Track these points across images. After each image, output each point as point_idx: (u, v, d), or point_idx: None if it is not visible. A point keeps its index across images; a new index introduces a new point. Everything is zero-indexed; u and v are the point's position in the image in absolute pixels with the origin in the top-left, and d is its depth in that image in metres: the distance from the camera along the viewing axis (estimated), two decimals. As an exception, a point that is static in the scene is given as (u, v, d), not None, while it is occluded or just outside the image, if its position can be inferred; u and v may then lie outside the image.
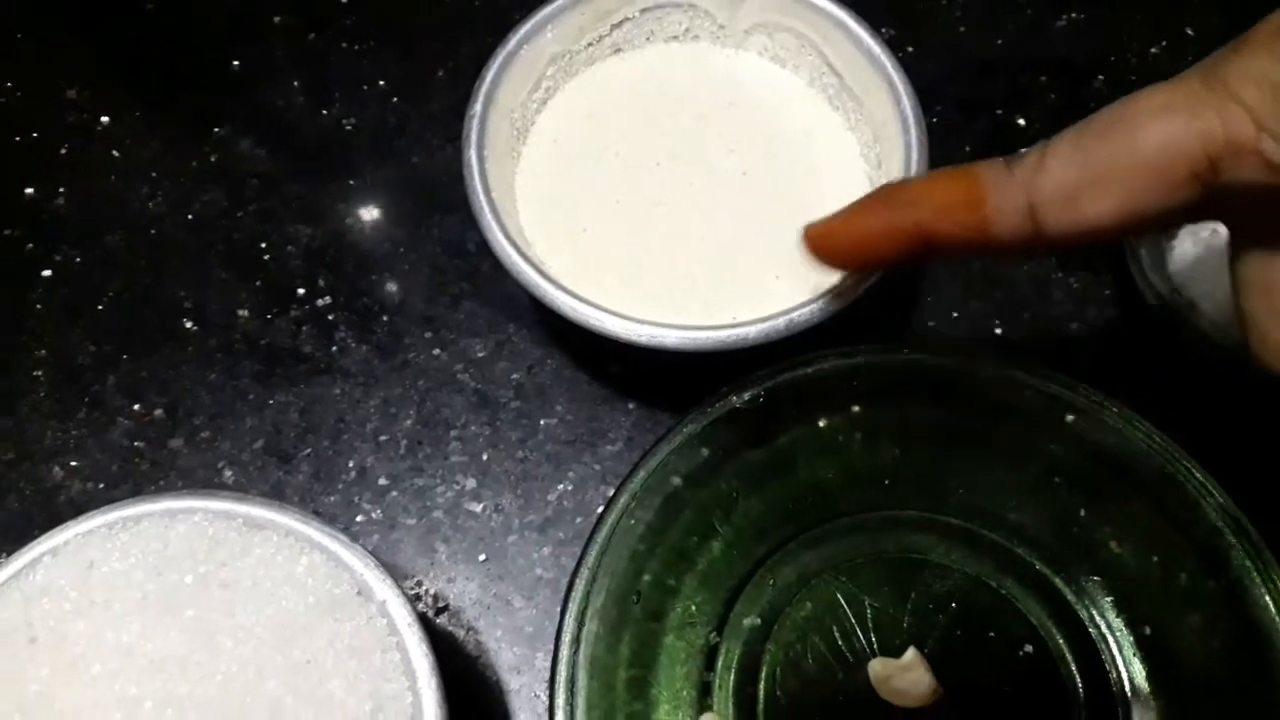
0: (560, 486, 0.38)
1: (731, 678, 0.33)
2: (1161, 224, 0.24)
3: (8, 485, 0.38)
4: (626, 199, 0.37)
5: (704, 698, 0.33)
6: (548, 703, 0.30)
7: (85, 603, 0.29)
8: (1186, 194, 0.22)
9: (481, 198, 0.35)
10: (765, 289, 0.35)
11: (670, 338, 0.33)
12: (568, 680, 0.30)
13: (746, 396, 0.33)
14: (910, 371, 0.34)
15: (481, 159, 0.35)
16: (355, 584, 0.29)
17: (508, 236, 0.34)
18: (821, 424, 0.34)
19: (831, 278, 0.33)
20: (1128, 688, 0.32)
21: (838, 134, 0.39)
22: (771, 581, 0.34)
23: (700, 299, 0.35)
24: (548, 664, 0.34)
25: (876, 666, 0.33)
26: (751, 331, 0.33)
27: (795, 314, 0.33)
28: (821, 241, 0.28)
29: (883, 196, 0.27)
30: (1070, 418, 0.33)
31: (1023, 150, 0.25)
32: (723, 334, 0.33)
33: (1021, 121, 0.44)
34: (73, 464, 0.38)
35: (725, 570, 0.34)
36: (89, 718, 0.28)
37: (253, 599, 0.29)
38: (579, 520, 0.37)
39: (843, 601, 0.34)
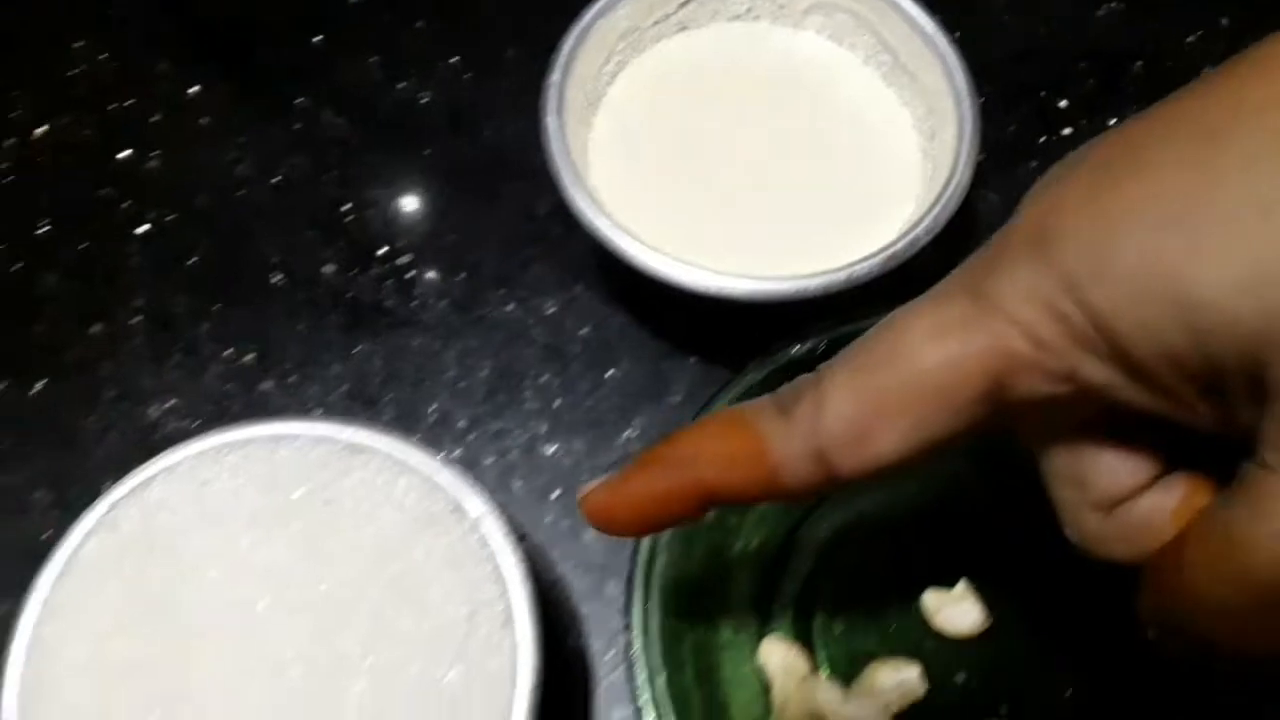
0: (626, 433, 0.40)
1: (790, 609, 0.36)
2: (958, 442, 0.22)
3: (109, 423, 0.40)
4: (691, 164, 0.40)
5: (765, 624, 0.35)
6: (624, 622, 0.32)
7: (199, 516, 0.32)
8: (976, 413, 0.21)
9: (559, 158, 0.37)
10: (825, 246, 0.37)
11: (739, 287, 0.35)
12: (642, 598, 0.33)
13: (807, 346, 0.35)
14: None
15: (561, 123, 0.38)
16: (450, 502, 0.32)
17: (584, 194, 0.36)
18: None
19: (890, 234, 0.35)
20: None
21: (892, 108, 0.41)
22: (828, 516, 0.37)
23: (763, 257, 0.38)
24: (616, 592, 0.37)
25: (929, 598, 0.35)
26: (813, 284, 0.35)
27: (855, 268, 0.35)
28: (599, 514, 0.26)
29: (655, 457, 0.25)
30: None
31: (787, 387, 0.24)
32: (786, 285, 0.35)
33: (1063, 104, 0.46)
34: (169, 404, 0.41)
35: (783, 506, 0.36)
36: (206, 616, 0.30)
37: (354, 516, 0.32)
38: (645, 464, 0.39)
39: (898, 531, 0.36)
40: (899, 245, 0.35)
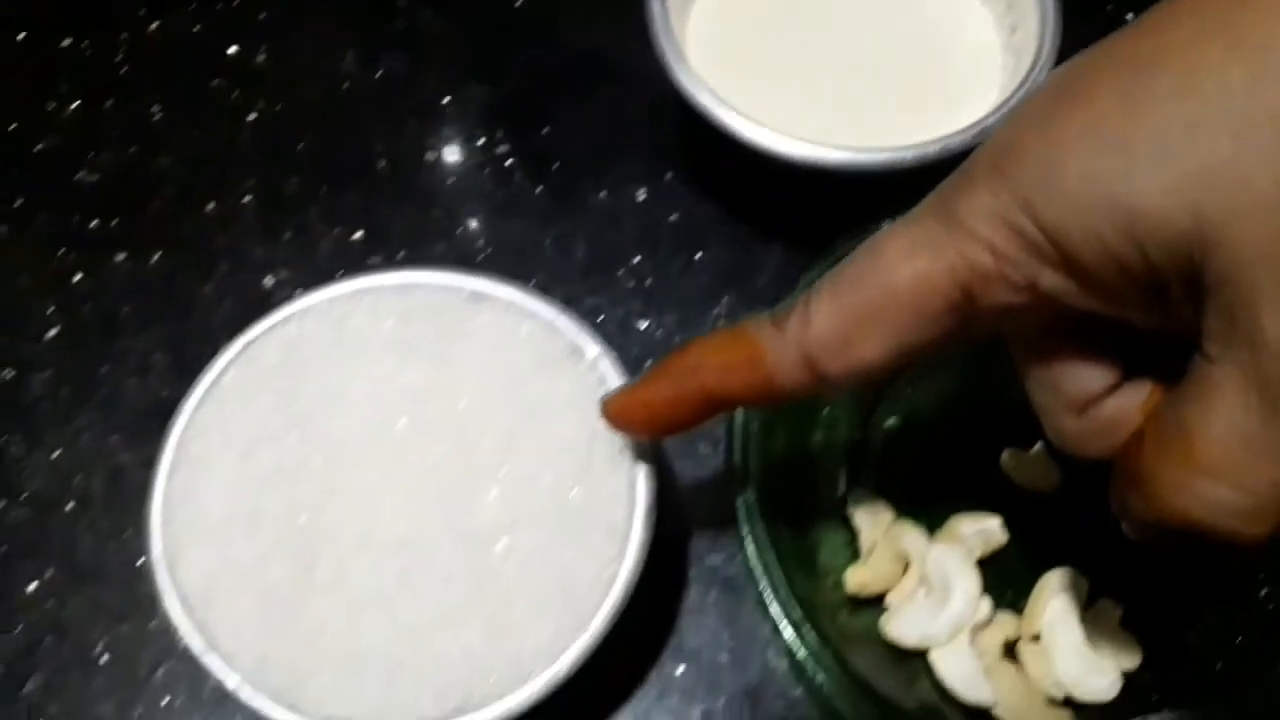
0: (715, 310, 0.42)
1: (874, 480, 0.38)
2: (935, 350, 0.25)
3: (224, 292, 0.43)
4: (786, 48, 0.42)
5: (850, 490, 0.37)
6: (726, 458, 0.34)
7: (337, 346, 0.34)
8: (948, 322, 0.24)
9: (662, 37, 0.39)
10: (916, 124, 0.39)
11: (835, 156, 0.37)
12: (742, 447, 0.34)
13: (895, 219, 0.37)
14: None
15: (664, 6, 0.40)
16: (569, 345, 0.34)
17: (686, 71, 0.38)
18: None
19: (981, 109, 0.37)
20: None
21: (973, 6, 0.43)
22: (909, 389, 0.39)
23: (857, 130, 0.40)
24: (707, 450, 0.39)
25: (1007, 457, 0.37)
26: (908, 155, 0.37)
27: (949, 141, 0.37)
28: (619, 417, 0.30)
29: (665, 369, 0.28)
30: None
31: (781, 306, 0.26)
32: (881, 155, 0.37)
33: (1130, 16, 0.48)
34: (282, 276, 0.43)
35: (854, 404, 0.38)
36: (347, 433, 0.32)
37: (483, 351, 0.34)
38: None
39: (975, 400, 0.38)
40: (990, 120, 0.37)
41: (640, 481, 0.32)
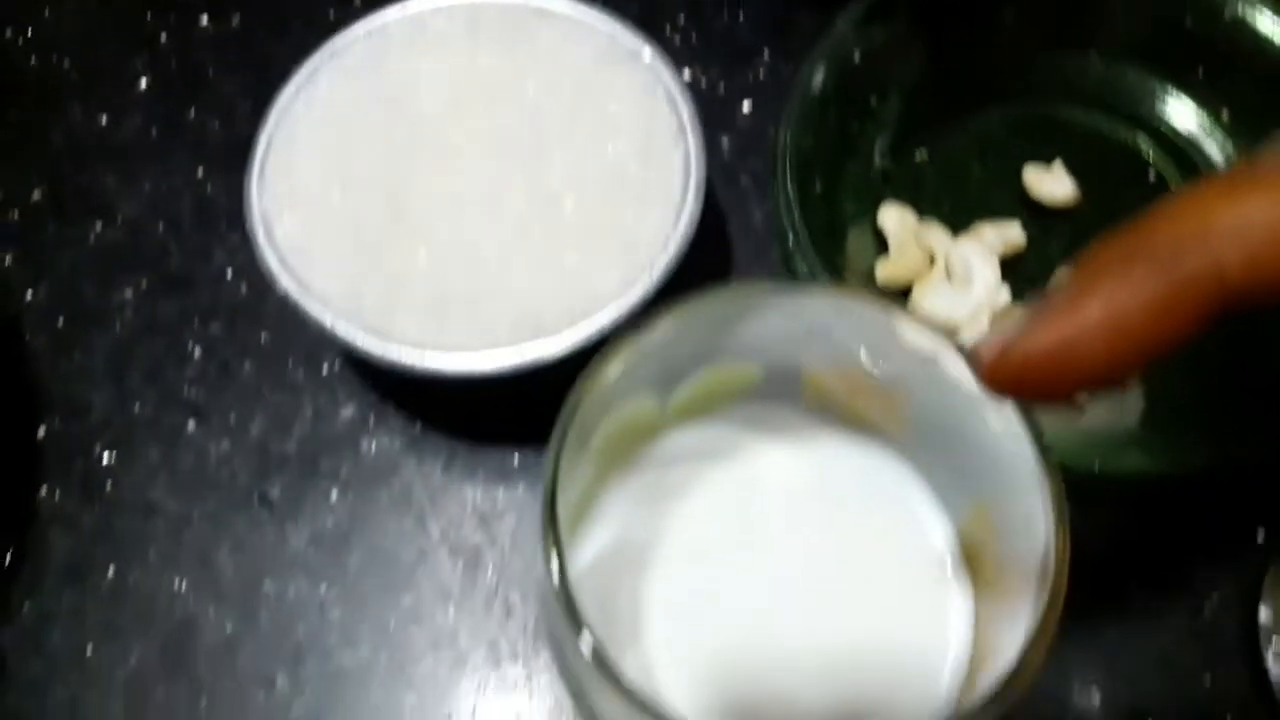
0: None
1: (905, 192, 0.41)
2: None
3: (300, 50, 0.46)
4: None
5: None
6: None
7: (419, 43, 0.37)
8: None
9: None
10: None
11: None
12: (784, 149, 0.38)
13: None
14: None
15: None
16: (628, 51, 0.37)
17: None
18: None
19: None
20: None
21: None
22: (937, 124, 0.42)
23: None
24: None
25: (1029, 171, 0.40)
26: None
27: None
28: (1038, 368, 0.18)
29: (1133, 250, 0.17)
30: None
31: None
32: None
33: None
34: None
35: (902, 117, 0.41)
36: (431, 106, 0.36)
37: (548, 53, 0.37)
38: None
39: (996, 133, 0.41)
40: None
41: (693, 161, 0.35)
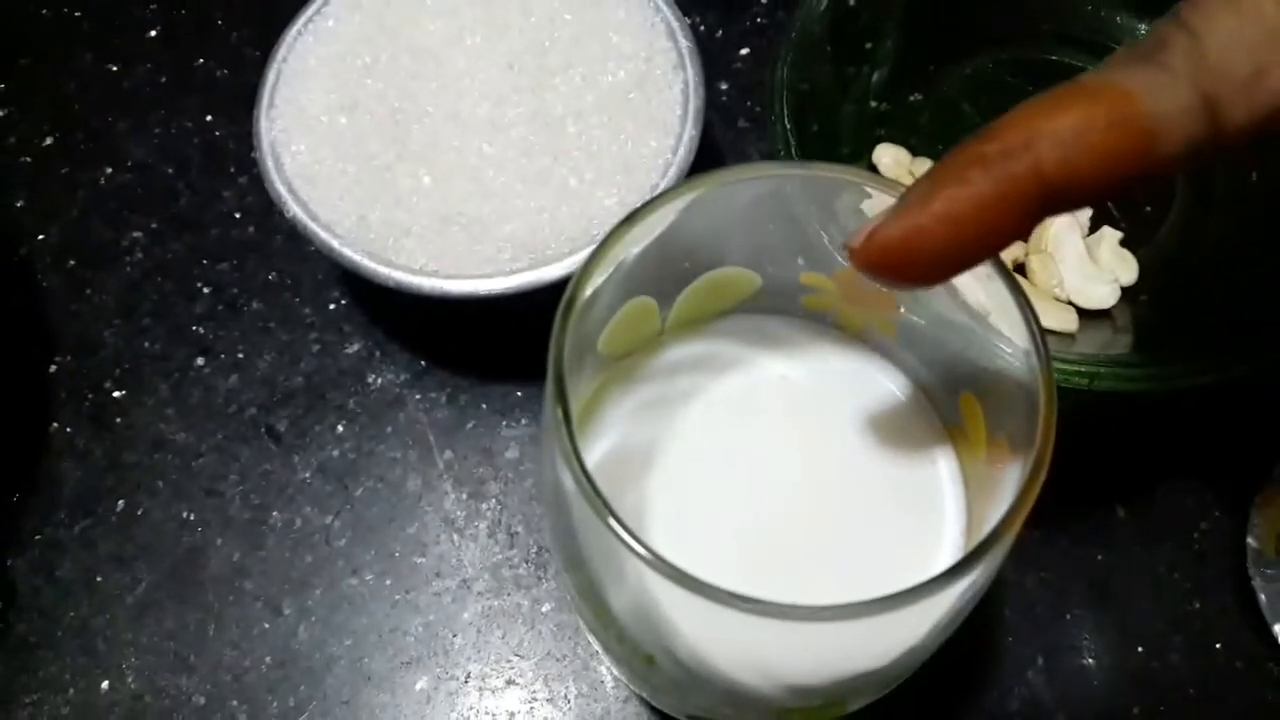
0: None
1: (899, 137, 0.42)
2: None
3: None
4: None
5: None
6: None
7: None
8: None
9: None
10: None
11: None
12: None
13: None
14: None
15: None
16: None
17: None
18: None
19: None
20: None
21: None
22: (932, 66, 0.42)
23: None
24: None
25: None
26: None
27: None
28: (893, 254, 0.20)
29: (972, 156, 0.19)
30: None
31: (1132, 42, 0.21)
32: None
33: None
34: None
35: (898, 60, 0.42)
36: (434, 36, 0.36)
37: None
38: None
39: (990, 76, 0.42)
40: None
41: (692, 91, 0.36)
